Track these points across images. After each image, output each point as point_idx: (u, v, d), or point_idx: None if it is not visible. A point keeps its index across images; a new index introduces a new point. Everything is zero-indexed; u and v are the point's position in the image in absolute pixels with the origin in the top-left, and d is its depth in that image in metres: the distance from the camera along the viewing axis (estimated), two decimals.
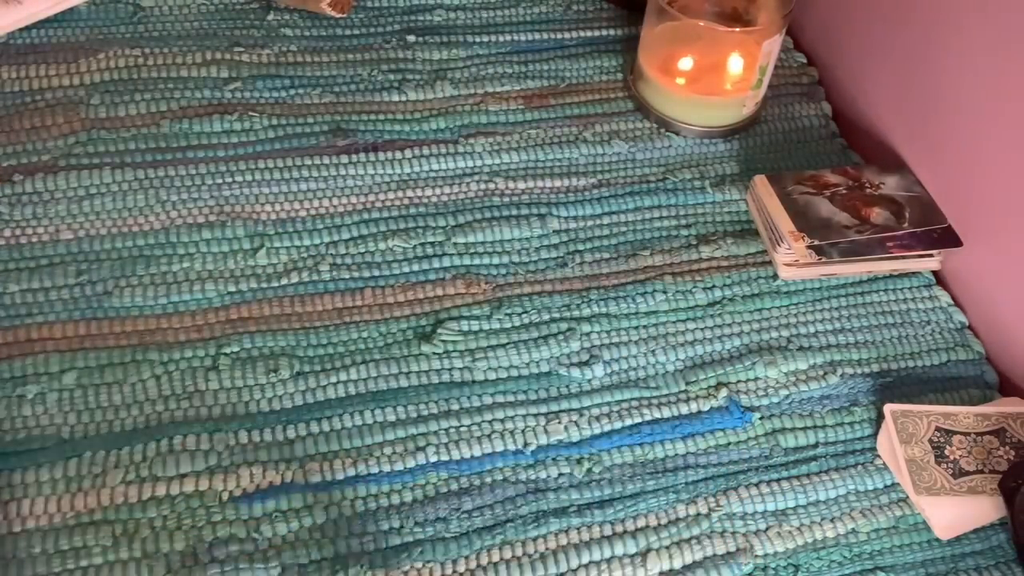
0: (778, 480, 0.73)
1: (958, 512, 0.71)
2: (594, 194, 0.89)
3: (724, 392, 0.77)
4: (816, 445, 0.76)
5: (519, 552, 0.67)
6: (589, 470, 0.72)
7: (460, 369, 0.76)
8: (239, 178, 0.85)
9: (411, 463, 0.71)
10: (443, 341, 0.77)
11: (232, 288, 0.78)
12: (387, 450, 0.71)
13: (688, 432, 0.75)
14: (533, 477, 0.71)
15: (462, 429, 0.73)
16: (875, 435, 0.76)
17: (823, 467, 0.74)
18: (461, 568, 0.66)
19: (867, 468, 0.74)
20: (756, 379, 0.79)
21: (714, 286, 0.84)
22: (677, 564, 0.68)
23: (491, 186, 0.88)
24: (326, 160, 0.88)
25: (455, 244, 0.84)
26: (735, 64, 0.95)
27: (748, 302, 0.84)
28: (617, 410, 0.75)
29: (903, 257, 0.85)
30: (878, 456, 0.75)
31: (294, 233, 0.83)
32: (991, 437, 0.74)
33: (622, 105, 0.98)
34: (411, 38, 0.99)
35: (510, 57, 1.00)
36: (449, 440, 0.72)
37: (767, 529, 0.71)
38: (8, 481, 0.66)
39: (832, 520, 0.72)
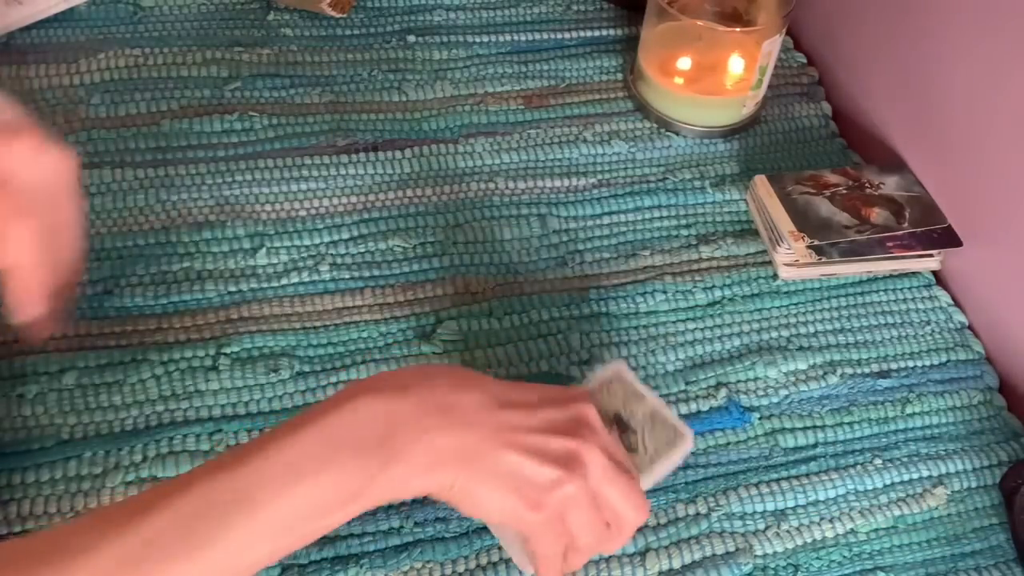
0: (777, 480, 0.73)
1: None
2: (594, 194, 0.89)
3: (724, 392, 0.77)
4: (816, 445, 0.76)
5: None
6: None
7: None
8: (239, 178, 0.85)
9: None
10: (443, 341, 0.77)
11: (232, 288, 0.78)
12: None
13: None
14: None
15: None
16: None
17: (822, 467, 0.74)
18: (461, 568, 0.66)
19: (867, 468, 0.74)
20: (756, 379, 0.79)
21: (714, 286, 0.84)
22: (677, 564, 0.68)
23: (491, 186, 0.88)
24: (326, 160, 0.88)
25: (455, 244, 0.84)
26: (735, 64, 0.95)
27: (748, 302, 0.84)
28: None
29: (903, 257, 0.85)
30: (877, 456, 0.75)
31: (294, 233, 0.83)
32: None
33: (622, 105, 0.98)
34: (411, 38, 0.99)
35: (510, 57, 1.00)
36: None
37: (766, 529, 0.71)
38: (8, 481, 0.66)
39: (832, 520, 0.72)
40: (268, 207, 0.84)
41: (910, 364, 0.81)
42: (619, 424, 0.61)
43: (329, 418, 0.50)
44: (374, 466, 0.50)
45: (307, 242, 0.82)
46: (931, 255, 0.86)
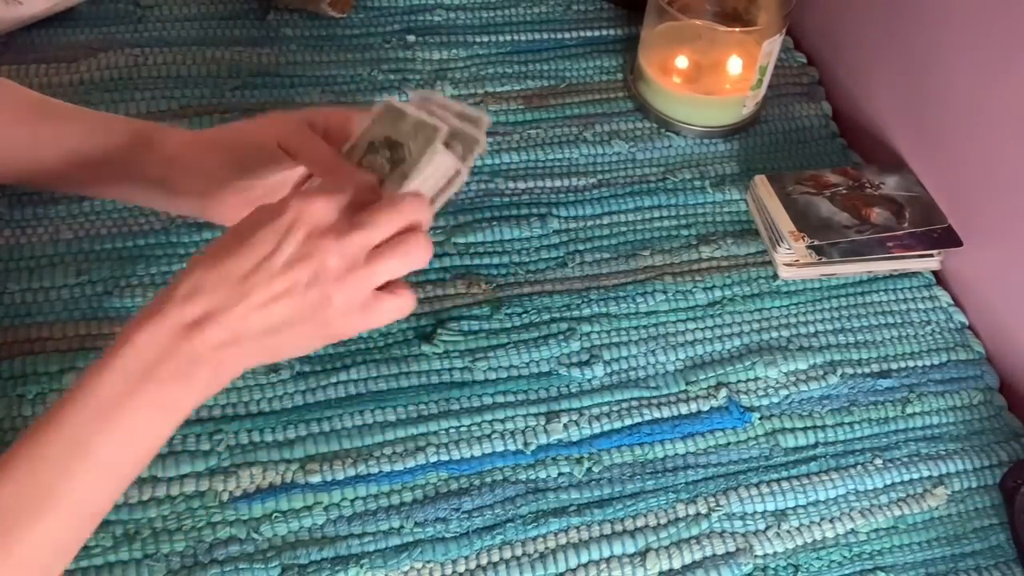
0: (778, 480, 0.73)
1: None
2: (594, 194, 0.89)
3: (724, 392, 0.77)
4: (816, 445, 0.76)
5: (519, 552, 0.67)
6: (589, 470, 0.72)
7: (460, 369, 0.76)
8: None
9: (411, 463, 0.71)
10: (443, 341, 0.77)
11: None
12: (387, 450, 0.71)
13: (688, 432, 0.75)
14: (533, 477, 0.71)
15: (462, 429, 0.73)
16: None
17: (823, 467, 0.74)
18: (461, 568, 0.66)
19: (867, 468, 0.74)
20: (756, 379, 0.79)
21: (714, 286, 0.84)
22: (677, 564, 0.68)
23: (491, 186, 0.88)
24: None
25: (455, 244, 0.84)
26: (735, 64, 0.95)
27: (748, 302, 0.84)
28: (617, 410, 0.75)
29: (903, 257, 0.85)
30: (877, 456, 0.75)
31: None
32: None
33: (622, 105, 0.98)
34: (411, 38, 0.99)
35: (510, 57, 1.00)
36: (449, 440, 0.72)
37: (767, 529, 0.71)
38: None
39: (832, 520, 0.72)
40: None
41: (910, 364, 0.81)
42: (391, 145, 0.60)
43: (124, 351, 0.52)
44: (177, 384, 0.52)
45: None
46: (931, 255, 0.86)
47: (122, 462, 0.52)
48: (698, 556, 0.69)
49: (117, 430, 0.51)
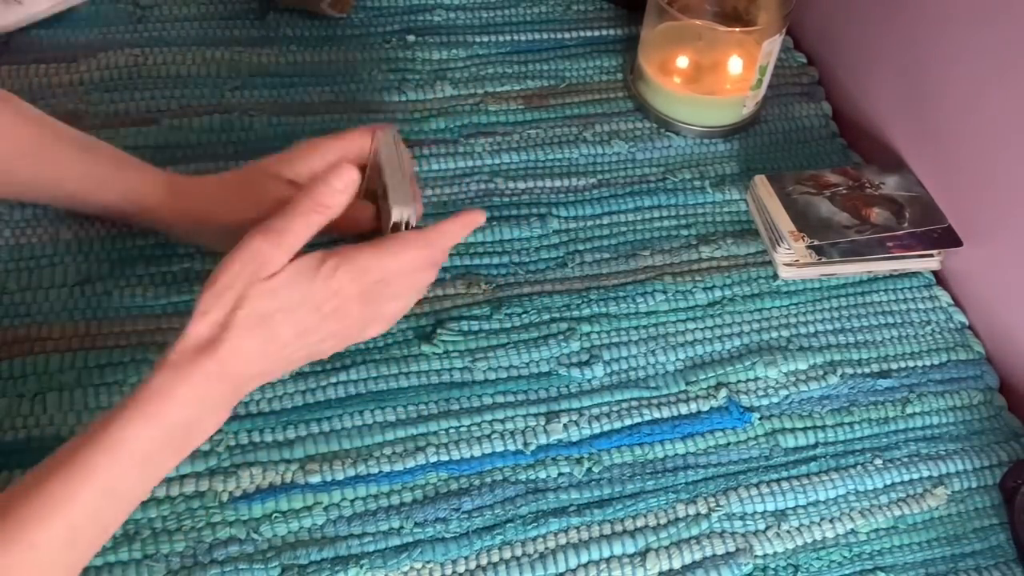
0: (778, 480, 0.73)
1: None
2: (594, 194, 0.89)
3: (724, 392, 0.77)
4: (816, 445, 0.76)
5: (519, 552, 0.67)
6: (589, 470, 0.72)
7: (460, 369, 0.76)
8: None
9: (411, 463, 0.71)
10: (443, 341, 0.77)
11: None
12: (387, 450, 0.71)
13: (688, 432, 0.75)
14: (533, 477, 0.71)
15: (462, 429, 0.73)
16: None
17: (823, 467, 0.74)
18: (461, 568, 0.66)
19: (867, 468, 0.74)
20: (756, 379, 0.79)
21: (714, 286, 0.84)
22: (676, 564, 0.68)
23: (491, 186, 0.88)
24: None
25: (455, 244, 0.84)
26: (735, 64, 0.95)
27: (748, 302, 0.84)
28: (617, 410, 0.75)
29: (903, 257, 0.85)
30: (877, 456, 0.75)
31: None
32: None
33: (622, 105, 0.98)
34: (411, 38, 0.99)
35: (510, 57, 1.00)
36: (449, 440, 0.72)
37: (767, 529, 0.71)
38: (8, 481, 0.66)
39: (832, 520, 0.72)
40: None
41: (910, 364, 0.81)
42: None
43: (170, 402, 0.57)
44: (207, 429, 0.60)
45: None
46: (931, 255, 0.86)
47: (141, 493, 0.58)
48: (698, 556, 0.69)
49: (147, 477, 0.57)
